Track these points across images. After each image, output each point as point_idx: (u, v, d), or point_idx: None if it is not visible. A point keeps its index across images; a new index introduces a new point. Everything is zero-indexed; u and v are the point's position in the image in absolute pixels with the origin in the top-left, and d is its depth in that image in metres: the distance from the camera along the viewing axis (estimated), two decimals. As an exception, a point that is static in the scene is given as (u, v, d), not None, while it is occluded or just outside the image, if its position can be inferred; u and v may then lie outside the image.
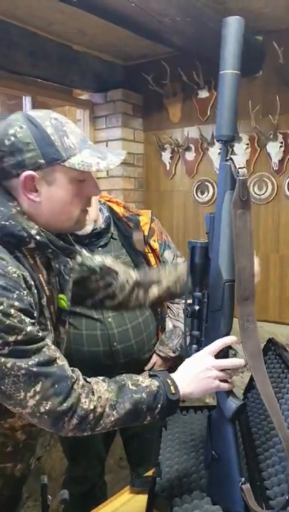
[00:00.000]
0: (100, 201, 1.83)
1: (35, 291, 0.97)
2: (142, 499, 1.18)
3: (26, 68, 2.61)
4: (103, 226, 1.76)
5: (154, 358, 1.87)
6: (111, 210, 1.85)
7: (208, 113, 2.92)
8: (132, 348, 1.76)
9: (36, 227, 0.96)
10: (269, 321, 2.72)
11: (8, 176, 0.95)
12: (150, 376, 1.04)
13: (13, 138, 0.93)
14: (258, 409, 1.39)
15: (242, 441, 1.27)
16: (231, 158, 1.06)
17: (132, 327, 1.77)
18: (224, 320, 1.06)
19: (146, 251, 1.85)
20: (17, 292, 0.89)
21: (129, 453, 2.00)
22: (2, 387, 0.87)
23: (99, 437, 1.85)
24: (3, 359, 0.86)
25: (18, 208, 0.96)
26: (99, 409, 0.93)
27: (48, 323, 1.03)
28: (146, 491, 1.18)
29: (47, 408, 0.89)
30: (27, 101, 2.88)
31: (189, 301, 1.14)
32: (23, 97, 2.88)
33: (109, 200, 1.90)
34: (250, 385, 1.52)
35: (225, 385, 1.05)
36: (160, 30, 2.10)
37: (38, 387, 0.88)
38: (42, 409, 0.89)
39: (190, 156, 3.02)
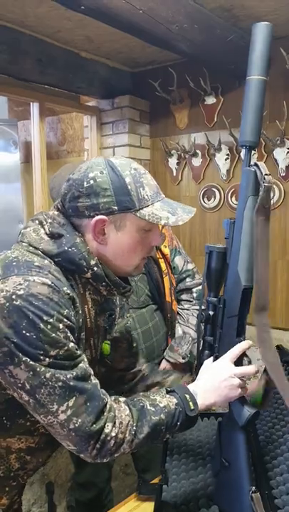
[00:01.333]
0: None
1: (80, 318, 1.00)
2: (149, 506, 1.18)
3: (34, 75, 2.64)
4: None
5: (164, 364, 1.87)
6: None
7: (215, 119, 2.93)
8: (141, 353, 1.76)
9: (96, 258, 0.99)
10: (276, 328, 2.71)
11: (80, 216, 0.99)
12: (168, 392, 1.03)
13: (92, 181, 0.97)
14: (266, 417, 1.38)
15: (250, 449, 1.26)
16: (256, 164, 1.04)
17: (142, 332, 1.77)
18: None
19: (158, 257, 1.85)
20: (67, 310, 0.92)
21: (136, 460, 1.99)
22: (37, 395, 0.88)
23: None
24: (43, 368, 0.87)
25: (82, 239, 0.99)
26: (120, 436, 0.94)
27: (87, 352, 1.04)
28: (152, 498, 1.18)
29: (76, 425, 0.90)
30: (35, 107, 2.90)
31: (203, 306, 1.13)
32: (31, 104, 2.90)
33: None
34: (258, 392, 1.51)
35: (244, 392, 1.05)
36: (167, 37, 2.11)
37: (71, 402, 0.89)
38: (71, 426, 0.90)
39: (197, 162, 3.03)
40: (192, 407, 0.99)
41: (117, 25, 2.02)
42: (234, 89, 2.84)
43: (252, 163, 1.06)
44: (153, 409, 0.97)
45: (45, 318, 0.87)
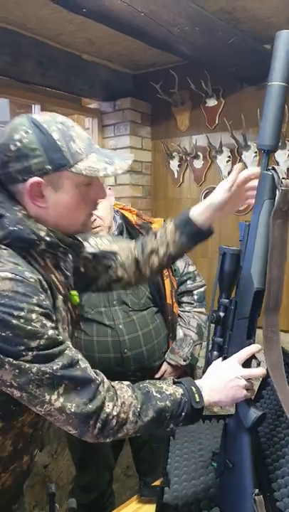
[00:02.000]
0: (113, 209, 1.85)
1: (50, 293, 0.97)
2: (150, 509, 1.18)
3: (36, 77, 2.64)
4: (116, 233, 1.78)
5: (165, 366, 1.86)
6: (124, 217, 1.87)
7: (217, 121, 2.93)
8: (142, 355, 1.76)
9: (45, 228, 0.95)
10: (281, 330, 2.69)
11: (14, 181, 0.94)
12: (174, 383, 1.03)
13: (19, 143, 0.92)
14: (268, 419, 1.37)
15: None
16: (274, 168, 1.05)
17: (143, 334, 1.77)
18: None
19: None
20: (36, 298, 0.88)
21: (138, 462, 1.99)
22: (28, 389, 0.87)
23: (108, 445, 1.85)
24: (27, 365, 0.85)
25: (24, 212, 0.95)
26: (122, 415, 0.93)
27: (66, 322, 1.03)
28: (154, 501, 1.17)
29: (72, 410, 0.89)
30: (36, 110, 2.91)
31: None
32: (33, 106, 2.91)
33: (122, 208, 1.92)
34: (260, 395, 1.51)
35: (249, 394, 1.04)
36: (169, 40, 2.12)
37: (60, 390, 0.88)
38: (68, 411, 0.89)
39: (198, 163, 3.03)
40: (198, 399, 0.99)
41: (119, 28, 2.03)
42: (235, 91, 2.84)
43: (269, 167, 1.06)
44: (159, 395, 0.97)
45: (15, 313, 0.84)
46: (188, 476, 1.23)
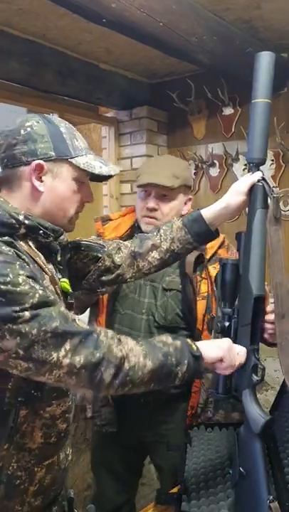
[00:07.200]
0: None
1: (32, 268, 0.97)
2: (168, 516, 1.17)
3: (54, 86, 2.68)
4: None
5: None
6: None
7: (233, 129, 2.93)
8: None
9: (23, 212, 0.99)
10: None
11: (16, 163, 1.00)
12: None
13: (29, 129, 1.00)
14: (285, 428, 1.36)
15: (269, 459, 1.25)
16: (264, 178, 1.12)
17: None
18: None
19: (203, 276, 1.65)
20: (18, 262, 0.91)
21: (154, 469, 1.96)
22: (33, 355, 0.87)
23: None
24: (27, 327, 0.86)
25: (1, 199, 1.00)
26: (133, 359, 0.94)
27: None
28: (171, 508, 1.17)
29: (82, 362, 0.90)
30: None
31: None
32: (51, 115, 2.94)
33: None
34: (277, 404, 1.50)
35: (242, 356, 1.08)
36: (187, 49, 2.14)
37: (67, 345, 0.89)
38: (77, 364, 0.89)
39: (214, 172, 3.03)
40: (195, 348, 1.02)
41: (138, 38, 2.05)
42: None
43: (260, 177, 1.14)
44: (161, 344, 1.00)
45: (1, 280, 0.86)
46: (206, 484, 1.23)
